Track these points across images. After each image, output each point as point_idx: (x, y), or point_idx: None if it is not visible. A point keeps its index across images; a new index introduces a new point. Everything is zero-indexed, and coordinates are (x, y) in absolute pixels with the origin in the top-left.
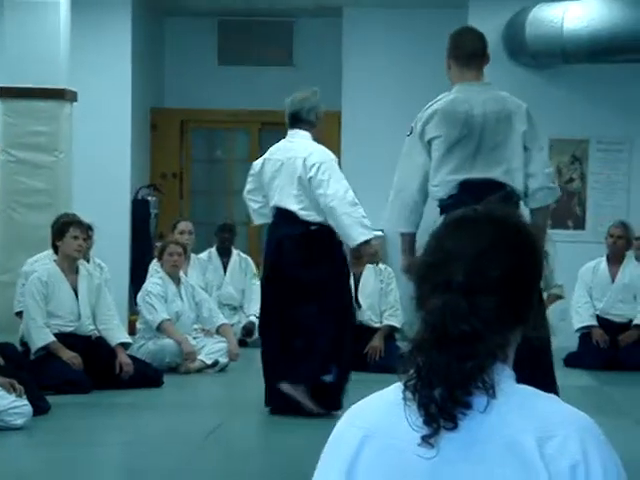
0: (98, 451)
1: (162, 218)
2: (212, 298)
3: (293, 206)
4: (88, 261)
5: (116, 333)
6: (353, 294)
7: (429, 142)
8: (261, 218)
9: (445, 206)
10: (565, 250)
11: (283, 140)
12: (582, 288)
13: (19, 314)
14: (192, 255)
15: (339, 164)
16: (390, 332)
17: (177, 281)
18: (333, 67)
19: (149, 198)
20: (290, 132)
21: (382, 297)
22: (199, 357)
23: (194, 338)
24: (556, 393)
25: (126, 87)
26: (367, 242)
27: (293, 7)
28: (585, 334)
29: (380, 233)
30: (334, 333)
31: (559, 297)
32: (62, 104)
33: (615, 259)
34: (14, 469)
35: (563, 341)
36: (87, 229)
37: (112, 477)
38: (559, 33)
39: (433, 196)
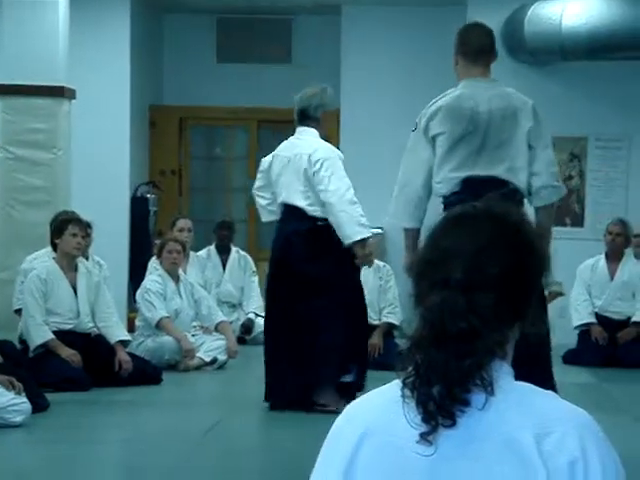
0: (97, 448)
1: (161, 215)
2: (211, 295)
3: (300, 202)
4: (87, 259)
5: (115, 331)
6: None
7: (433, 138)
8: (269, 215)
9: (448, 203)
10: (564, 248)
11: (291, 137)
12: (581, 286)
13: (18, 312)
14: (191, 253)
15: None
16: (389, 329)
17: (176, 279)
18: (332, 65)
19: (148, 195)
20: (298, 129)
21: (381, 294)
22: (198, 354)
23: (193, 335)
24: (554, 390)
25: (125, 84)
26: (363, 242)
27: (292, 5)
28: (584, 331)
29: (379, 231)
30: (350, 331)
31: (559, 294)
32: (61, 101)
33: (614, 257)
34: (13, 466)
35: (562, 338)
36: (86, 226)
37: (111, 474)
38: (558, 30)
39: (436, 192)
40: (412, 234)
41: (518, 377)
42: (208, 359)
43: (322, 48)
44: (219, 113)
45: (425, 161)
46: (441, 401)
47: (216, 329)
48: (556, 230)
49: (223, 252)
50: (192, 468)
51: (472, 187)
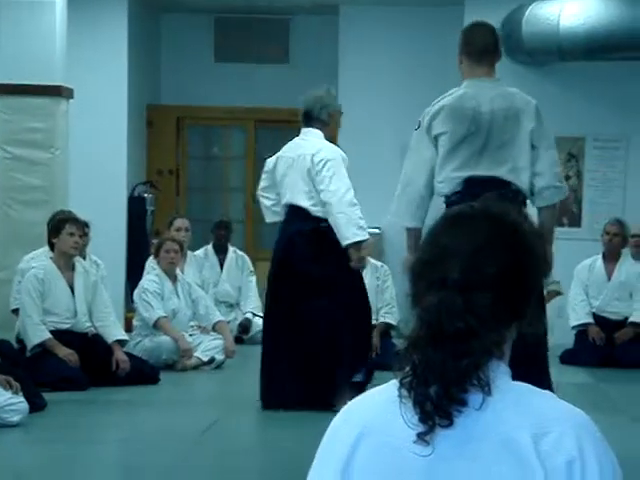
0: (95, 448)
1: (158, 215)
2: (208, 295)
3: (304, 202)
4: (84, 258)
5: (112, 330)
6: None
7: (436, 137)
8: (273, 216)
9: (450, 202)
10: (561, 248)
11: (296, 138)
12: (578, 286)
13: (15, 311)
14: (188, 252)
15: None
16: (386, 329)
17: (173, 278)
18: (329, 65)
19: (145, 195)
20: (303, 130)
21: (378, 294)
22: (195, 354)
23: (190, 335)
24: (551, 390)
25: (122, 84)
26: (358, 244)
27: (290, 5)
28: (581, 331)
29: (376, 231)
30: (356, 331)
31: (558, 293)
32: (58, 101)
33: (611, 257)
34: (10, 466)
35: (559, 338)
36: (83, 226)
37: (108, 474)
38: (555, 30)
39: (438, 192)
40: (414, 234)
41: (515, 377)
42: (205, 359)
43: (320, 48)
44: (216, 113)
45: (427, 160)
46: (438, 401)
47: (213, 329)
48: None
49: (220, 252)
50: (189, 467)
51: (474, 187)
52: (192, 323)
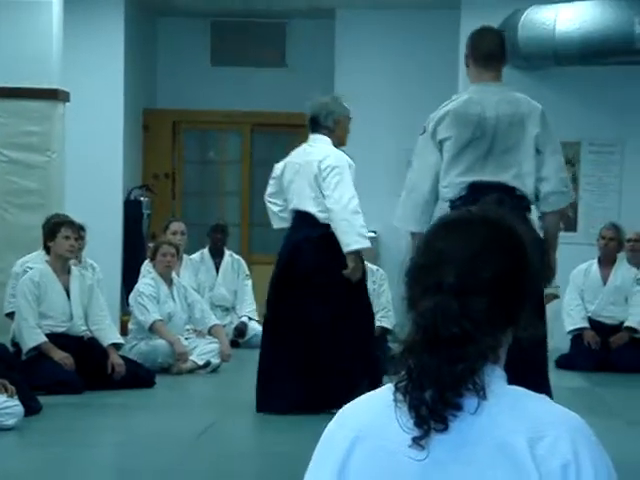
0: (90, 451)
1: (154, 219)
2: (204, 299)
3: (311, 208)
4: (80, 261)
5: (108, 334)
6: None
7: (440, 142)
8: (280, 222)
9: (454, 207)
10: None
11: (304, 144)
12: (574, 290)
13: (10, 315)
14: (184, 256)
15: None
16: (382, 333)
17: (169, 282)
18: (326, 68)
19: (141, 198)
20: (311, 136)
21: (374, 298)
22: (191, 358)
23: (186, 339)
24: (549, 394)
25: (119, 87)
26: (357, 253)
27: (286, 8)
28: (577, 336)
29: (372, 235)
30: (359, 341)
31: (555, 297)
32: (54, 104)
33: (607, 261)
34: (5, 469)
35: (555, 343)
36: (79, 229)
37: (104, 477)
38: (551, 35)
39: (442, 197)
40: (418, 238)
41: (513, 381)
42: (201, 362)
43: (316, 52)
44: (213, 117)
45: (432, 165)
46: (433, 405)
47: (209, 332)
48: None
49: (216, 255)
50: (185, 471)
51: (478, 192)
52: (188, 327)
